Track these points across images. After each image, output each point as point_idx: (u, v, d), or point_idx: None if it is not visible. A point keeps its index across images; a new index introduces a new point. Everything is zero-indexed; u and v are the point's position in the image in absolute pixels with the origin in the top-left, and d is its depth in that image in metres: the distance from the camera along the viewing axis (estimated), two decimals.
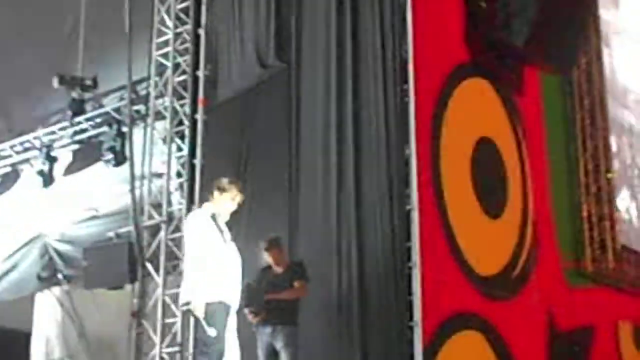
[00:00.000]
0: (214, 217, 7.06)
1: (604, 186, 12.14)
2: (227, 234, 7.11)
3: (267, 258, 8.39)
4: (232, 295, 6.93)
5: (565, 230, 11.45)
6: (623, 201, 12.54)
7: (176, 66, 11.55)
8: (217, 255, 6.93)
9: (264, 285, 8.35)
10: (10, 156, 13.19)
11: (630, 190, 13.09)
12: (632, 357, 12.30)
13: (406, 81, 9.24)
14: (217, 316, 6.82)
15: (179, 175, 11.33)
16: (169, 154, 11.36)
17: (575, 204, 11.80)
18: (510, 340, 9.77)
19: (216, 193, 7.24)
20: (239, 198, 7.30)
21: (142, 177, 11.35)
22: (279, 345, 8.13)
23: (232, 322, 7.00)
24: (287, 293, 8.14)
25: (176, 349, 10.76)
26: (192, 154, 11.19)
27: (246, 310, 8.14)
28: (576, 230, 11.66)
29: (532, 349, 10.21)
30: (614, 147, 12.75)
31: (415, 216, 8.78)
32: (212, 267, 6.92)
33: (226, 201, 7.29)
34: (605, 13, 13.23)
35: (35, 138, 12.84)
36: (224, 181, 7.43)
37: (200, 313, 6.91)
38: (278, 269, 8.23)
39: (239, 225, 10.18)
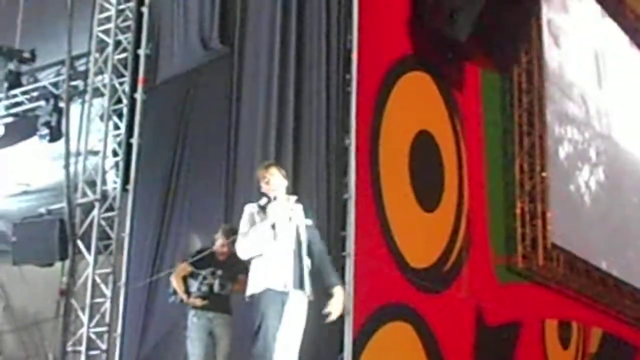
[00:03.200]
0: (263, 206, 6.85)
1: (538, 184, 12.29)
2: (280, 218, 6.80)
3: (218, 244, 8.28)
4: (286, 280, 6.71)
5: (498, 226, 11.58)
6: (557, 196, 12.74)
7: (117, 43, 11.43)
8: (273, 241, 6.71)
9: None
10: None
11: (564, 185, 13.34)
12: (556, 353, 12.54)
13: (349, 71, 9.24)
14: (268, 308, 6.61)
15: (115, 154, 11.22)
16: (106, 132, 11.25)
17: (509, 200, 11.95)
18: (438, 332, 9.87)
19: (262, 184, 7.00)
20: (280, 173, 7.02)
21: (78, 154, 11.22)
22: (218, 330, 8.08)
23: (294, 308, 6.72)
24: (238, 286, 8.06)
25: (104, 329, 10.68)
26: (129, 133, 11.08)
27: (197, 293, 8.10)
28: (509, 227, 11.80)
29: (460, 342, 10.33)
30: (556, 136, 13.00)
31: (351, 205, 8.79)
32: (267, 254, 6.71)
33: (271, 183, 6.94)
34: (557, 17, 13.71)
35: None
36: (261, 168, 7.16)
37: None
38: (222, 257, 8.16)
39: (173, 208, 10.18)
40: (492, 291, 11.06)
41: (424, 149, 10.19)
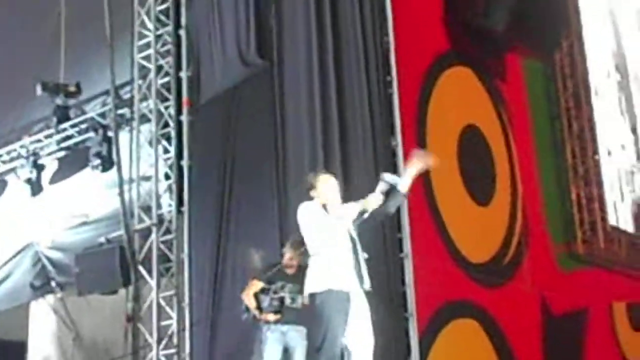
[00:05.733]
0: (324, 207, 6.84)
1: (591, 168, 12.17)
2: (340, 222, 6.80)
3: (286, 257, 8.31)
4: (349, 279, 6.76)
5: (554, 213, 11.48)
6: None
7: (159, 68, 11.53)
8: (333, 242, 6.72)
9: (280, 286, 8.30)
10: None
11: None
12: (627, 336, 12.35)
13: (389, 72, 9.24)
14: (333, 308, 6.63)
15: (167, 177, 11.32)
16: (156, 157, 11.35)
17: (563, 187, 11.83)
18: (505, 326, 9.80)
19: (312, 192, 6.97)
20: (333, 182, 7.00)
21: (131, 180, 11.35)
22: (292, 343, 8.11)
23: (358, 306, 6.74)
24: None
25: (173, 350, 10.78)
26: (179, 155, 11.18)
27: (269, 309, 8.14)
28: (566, 213, 11.68)
29: (528, 334, 10.24)
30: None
31: (404, 207, 8.78)
32: (326, 254, 6.67)
33: (323, 193, 6.86)
34: None
35: (21, 147, 12.79)
36: (310, 178, 7.14)
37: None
38: (290, 270, 8.18)
39: (228, 225, 10.25)
40: (555, 280, 10.96)
41: (472, 143, 10.15)
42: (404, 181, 7.03)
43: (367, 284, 6.76)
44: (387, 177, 6.81)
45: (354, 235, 6.77)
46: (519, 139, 10.95)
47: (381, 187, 6.79)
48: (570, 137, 12.08)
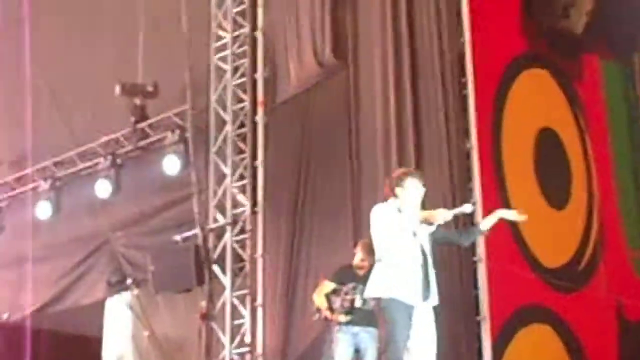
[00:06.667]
0: (399, 210, 6.82)
1: None
2: (415, 229, 6.65)
3: (358, 259, 8.33)
4: (414, 293, 6.61)
5: (631, 218, 11.26)
6: None
7: (235, 69, 11.66)
8: (402, 250, 6.71)
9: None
10: (76, 164, 13.38)
11: None
12: None
13: (464, 74, 9.20)
14: (397, 316, 6.64)
15: (241, 177, 11.43)
16: (231, 157, 11.47)
17: None
18: (580, 332, 9.66)
19: (398, 189, 6.93)
20: (421, 184, 6.98)
21: (207, 181, 11.49)
22: (363, 345, 8.13)
23: (421, 320, 6.75)
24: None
25: (246, 349, 10.87)
26: (253, 155, 11.28)
27: (340, 310, 8.17)
28: None
29: (603, 341, 10.08)
30: None
31: (478, 210, 8.71)
32: (395, 262, 6.64)
33: (408, 193, 6.77)
34: None
35: (99, 146, 13.01)
36: (399, 173, 7.12)
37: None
38: (361, 272, 8.18)
39: (302, 226, 10.31)
40: (631, 286, 10.77)
41: (548, 147, 10.03)
42: (487, 220, 7.04)
43: (435, 300, 6.72)
44: (466, 207, 6.82)
45: (426, 249, 6.72)
46: (596, 142, 10.80)
47: (458, 210, 6.79)
48: None
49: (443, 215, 6.63)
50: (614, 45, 11.48)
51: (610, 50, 11.49)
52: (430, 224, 6.65)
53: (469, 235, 7.21)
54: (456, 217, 7.13)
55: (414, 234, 6.64)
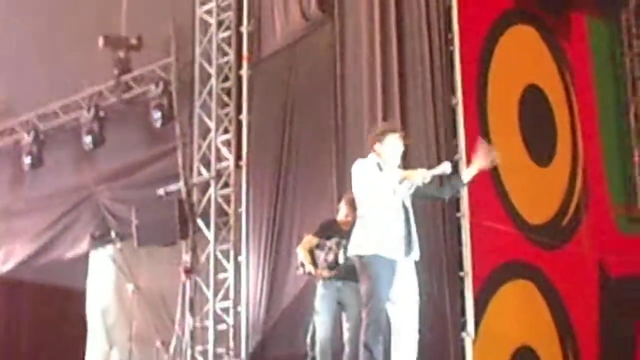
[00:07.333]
0: (380, 167, 6.80)
1: None
2: (395, 186, 6.66)
3: (342, 214, 8.32)
4: (396, 248, 6.65)
5: (615, 176, 11.30)
6: None
7: (220, 22, 11.58)
8: (383, 206, 6.71)
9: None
10: (59, 117, 13.31)
11: None
12: None
13: (450, 29, 9.14)
14: (380, 271, 6.66)
15: (226, 131, 11.39)
16: (215, 111, 11.42)
17: (625, 148, 11.64)
18: (561, 288, 9.72)
19: (377, 145, 6.91)
20: (401, 141, 6.85)
21: (190, 134, 11.46)
22: (347, 298, 8.14)
23: (404, 274, 6.75)
24: None
25: (229, 303, 10.90)
26: (238, 110, 11.23)
27: (323, 264, 8.18)
28: (627, 176, 11.50)
29: (584, 297, 10.16)
30: None
31: (463, 165, 8.71)
32: (376, 218, 6.66)
33: (387, 150, 6.81)
34: None
35: (82, 98, 12.93)
36: (380, 130, 7.06)
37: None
38: (346, 227, 8.17)
39: (287, 180, 10.29)
40: (614, 242, 10.81)
41: (533, 103, 10.02)
42: (468, 172, 7.02)
43: (416, 255, 6.74)
44: (446, 166, 6.78)
45: (408, 204, 6.74)
46: (582, 99, 10.79)
47: (437, 170, 6.77)
48: (635, 99, 11.84)
49: (422, 174, 6.64)
50: (602, 3, 11.44)
51: (597, 8, 11.44)
52: (410, 183, 6.67)
53: (451, 188, 7.18)
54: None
55: (394, 192, 6.65)
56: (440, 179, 7.10)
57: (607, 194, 11.03)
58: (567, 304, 9.80)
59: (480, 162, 6.96)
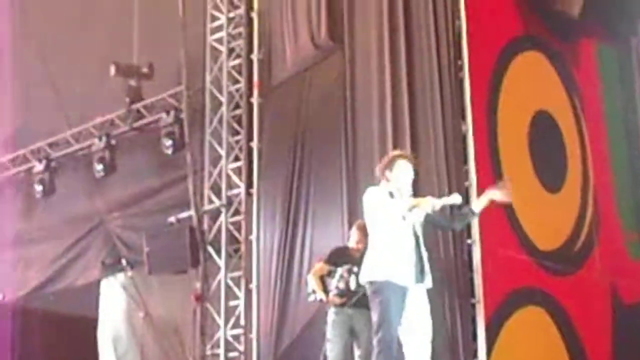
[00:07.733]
0: (391, 194, 6.84)
1: None
2: (405, 214, 6.70)
3: (353, 241, 8.32)
4: (408, 275, 6.67)
5: (626, 201, 11.27)
6: None
7: (230, 50, 11.64)
8: (394, 233, 6.73)
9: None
10: (70, 145, 13.36)
11: None
12: None
13: (460, 56, 9.18)
14: (391, 298, 6.68)
15: (237, 159, 11.42)
16: (227, 138, 11.46)
17: (636, 173, 11.62)
18: (574, 315, 9.68)
19: (387, 172, 6.99)
20: (411, 168, 6.92)
21: (202, 162, 11.48)
22: (358, 326, 8.13)
23: (415, 302, 6.76)
24: None
25: (240, 331, 10.89)
26: (249, 137, 11.27)
27: (335, 292, 8.17)
28: (638, 202, 11.48)
29: (597, 323, 10.11)
30: None
31: (473, 192, 8.73)
32: (388, 245, 6.70)
33: (399, 175, 6.88)
34: None
35: (94, 127, 12.98)
36: (390, 157, 7.06)
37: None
38: (357, 254, 8.17)
39: (298, 208, 10.31)
40: (626, 269, 10.78)
41: (543, 130, 10.02)
42: (479, 202, 7.05)
43: (429, 283, 6.75)
44: (456, 197, 6.81)
45: (419, 231, 6.76)
46: (592, 125, 10.79)
47: (447, 200, 6.80)
48: None
49: (432, 202, 6.68)
50: (611, 30, 11.46)
51: (607, 35, 11.46)
52: (420, 210, 6.70)
53: (461, 219, 7.22)
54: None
55: (403, 218, 6.67)
56: (451, 209, 7.13)
57: (618, 220, 11.00)
58: (580, 331, 9.76)
59: (494, 194, 6.99)
